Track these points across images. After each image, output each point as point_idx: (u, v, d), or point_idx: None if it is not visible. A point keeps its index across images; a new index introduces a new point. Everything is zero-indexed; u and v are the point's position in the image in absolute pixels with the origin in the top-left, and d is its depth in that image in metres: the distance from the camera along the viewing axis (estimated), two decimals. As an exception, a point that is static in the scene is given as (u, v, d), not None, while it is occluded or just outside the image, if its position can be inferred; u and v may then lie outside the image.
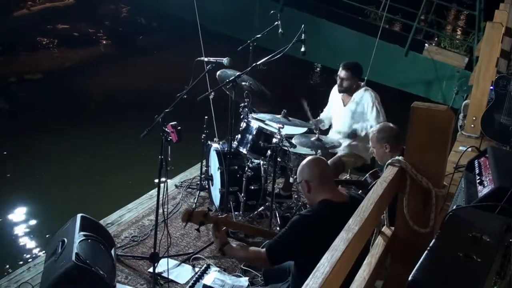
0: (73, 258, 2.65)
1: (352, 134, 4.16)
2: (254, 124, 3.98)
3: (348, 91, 4.15)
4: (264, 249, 2.41)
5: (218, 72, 4.07)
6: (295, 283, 2.44)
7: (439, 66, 7.49)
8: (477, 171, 2.22)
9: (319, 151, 3.78)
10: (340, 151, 4.18)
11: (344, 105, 4.21)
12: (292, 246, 2.36)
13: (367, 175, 3.43)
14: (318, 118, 4.38)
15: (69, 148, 6.72)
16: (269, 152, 3.86)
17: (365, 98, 4.09)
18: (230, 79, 3.68)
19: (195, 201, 4.35)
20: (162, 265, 3.28)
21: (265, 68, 3.89)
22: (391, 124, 3.22)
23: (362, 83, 4.23)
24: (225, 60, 3.63)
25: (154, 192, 4.45)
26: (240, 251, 2.56)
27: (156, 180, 3.10)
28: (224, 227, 2.62)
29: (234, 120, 3.83)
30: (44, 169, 6.17)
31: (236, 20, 8.58)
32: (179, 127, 2.95)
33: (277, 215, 3.90)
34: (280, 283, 2.63)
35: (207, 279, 3.21)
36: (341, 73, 4.11)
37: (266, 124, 4.03)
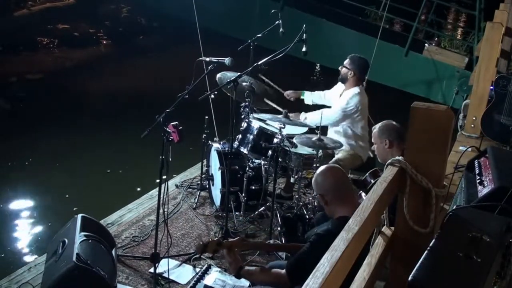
0: (74, 258, 2.65)
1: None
2: (255, 124, 3.99)
3: (343, 80, 4.17)
4: (284, 271, 2.38)
5: (218, 75, 4.07)
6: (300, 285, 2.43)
7: (439, 66, 7.50)
8: (477, 171, 2.23)
9: (320, 151, 3.79)
10: (338, 152, 4.18)
11: (339, 97, 4.22)
12: (313, 267, 2.32)
13: (367, 174, 3.44)
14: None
15: (69, 148, 6.73)
16: (270, 152, 3.86)
17: (353, 99, 4.06)
18: (231, 79, 3.68)
19: (196, 201, 4.36)
20: (163, 266, 3.28)
21: (266, 68, 3.89)
22: (394, 122, 3.24)
23: (361, 85, 4.20)
24: (227, 60, 3.62)
25: (154, 192, 4.46)
26: (258, 275, 2.49)
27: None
28: (237, 249, 2.55)
29: (235, 120, 3.84)
30: (45, 169, 6.17)
31: (236, 20, 8.58)
32: (180, 127, 2.95)
33: (278, 215, 3.90)
34: None
35: (208, 280, 3.22)
36: (344, 61, 4.17)
37: (267, 124, 4.04)
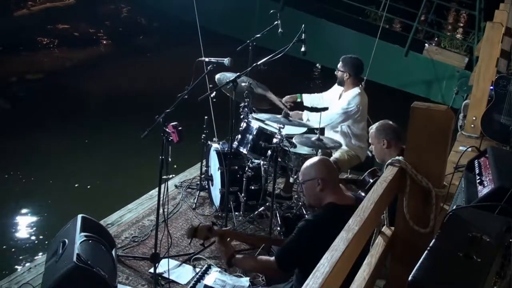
0: (74, 259, 2.65)
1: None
2: (254, 124, 3.98)
3: (340, 83, 4.16)
4: (273, 258, 2.38)
5: (217, 76, 4.07)
6: (300, 284, 2.43)
7: (439, 66, 7.50)
8: (477, 171, 2.22)
9: (319, 151, 3.79)
10: (336, 151, 4.17)
11: (339, 99, 4.21)
12: (301, 252, 2.32)
13: (365, 174, 3.44)
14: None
15: (69, 148, 6.72)
16: (269, 152, 3.86)
17: (354, 100, 4.05)
18: (231, 79, 3.68)
19: (195, 201, 4.36)
20: (163, 266, 3.28)
21: (265, 68, 3.89)
22: (390, 122, 3.24)
23: (360, 85, 4.20)
24: (226, 61, 3.62)
25: (154, 192, 4.45)
26: (248, 261, 2.53)
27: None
28: (229, 239, 2.59)
29: (234, 120, 3.83)
30: (44, 169, 6.17)
31: (236, 20, 8.58)
32: (180, 127, 2.95)
33: (278, 215, 3.90)
34: (282, 283, 2.62)
35: (208, 280, 3.21)
36: (338, 64, 4.17)
37: (266, 124, 4.03)
